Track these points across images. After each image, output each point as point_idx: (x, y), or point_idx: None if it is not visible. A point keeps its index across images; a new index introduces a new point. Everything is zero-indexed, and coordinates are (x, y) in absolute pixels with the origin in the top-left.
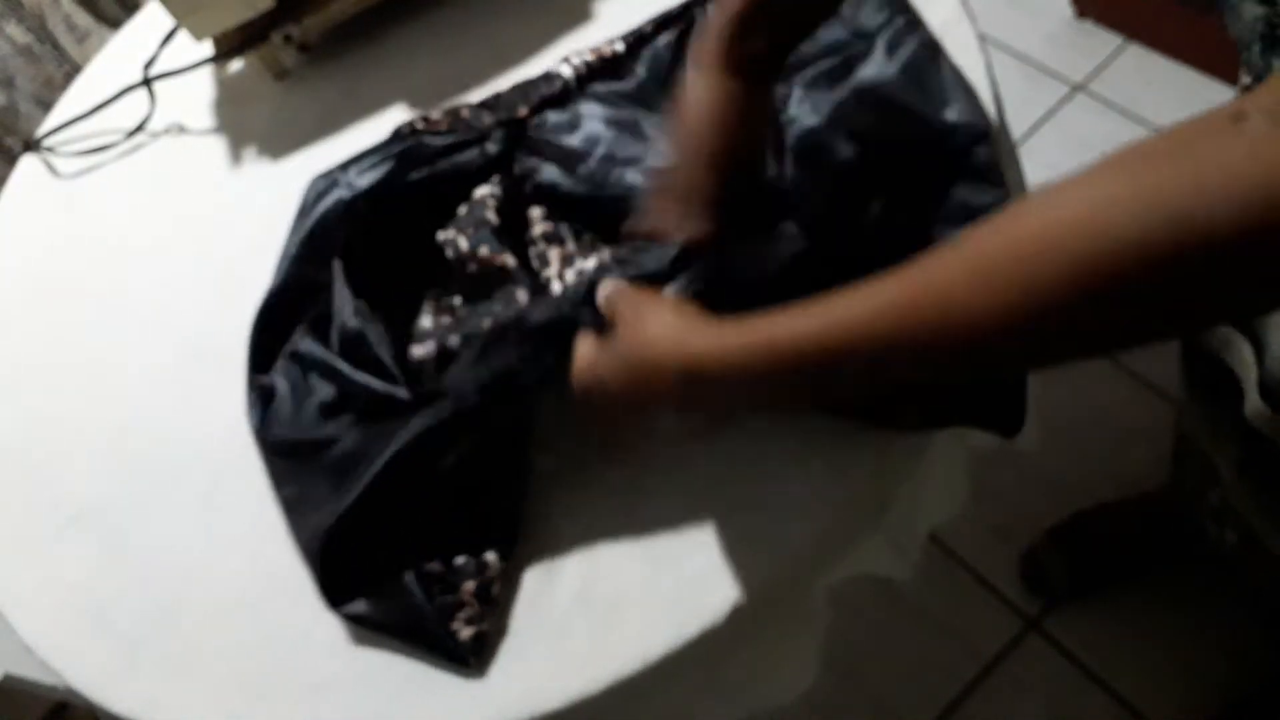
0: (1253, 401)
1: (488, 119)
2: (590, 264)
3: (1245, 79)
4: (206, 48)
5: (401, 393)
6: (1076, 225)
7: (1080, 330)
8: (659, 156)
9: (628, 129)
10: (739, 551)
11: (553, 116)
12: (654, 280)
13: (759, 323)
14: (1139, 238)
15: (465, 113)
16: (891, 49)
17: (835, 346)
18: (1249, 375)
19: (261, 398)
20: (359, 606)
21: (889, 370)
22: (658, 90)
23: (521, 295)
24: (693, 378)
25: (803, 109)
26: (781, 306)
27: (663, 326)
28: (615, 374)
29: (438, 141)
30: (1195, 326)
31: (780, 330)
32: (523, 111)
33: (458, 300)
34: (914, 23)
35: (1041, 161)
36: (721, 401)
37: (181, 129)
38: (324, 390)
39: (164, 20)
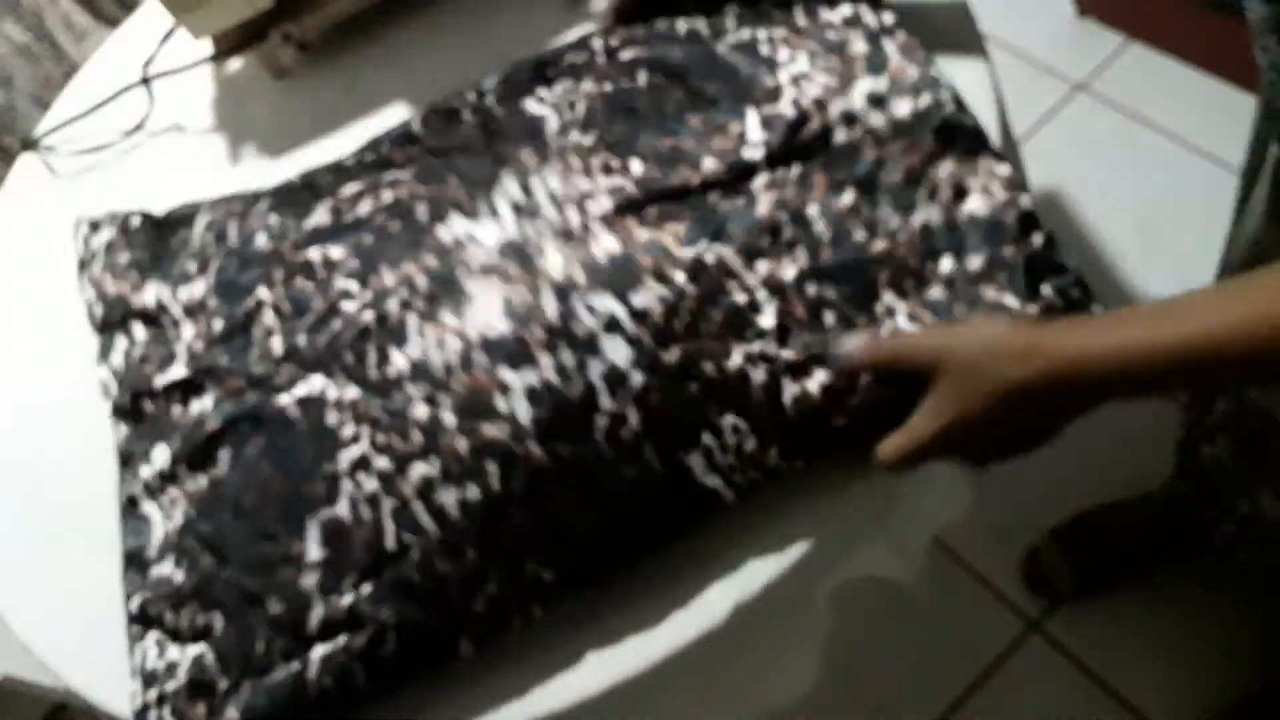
0: None
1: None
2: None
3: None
4: (205, 46)
5: None
6: None
7: None
8: None
9: None
10: (740, 553)
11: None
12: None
13: (1125, 326)
14: None
15: None
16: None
17: (1213, 354)
18: None
19: None
20: None
21: (1263, 373)
22: None
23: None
24: (1083, 384)
25: None
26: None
27: (1022, 351)
28: (992, 414)
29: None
30: None
31: (1158, 335)
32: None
33: None
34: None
35: (1043, 161)
36: (1091, 405)
37: (180, 128)
38: None
39: (163, 19)
